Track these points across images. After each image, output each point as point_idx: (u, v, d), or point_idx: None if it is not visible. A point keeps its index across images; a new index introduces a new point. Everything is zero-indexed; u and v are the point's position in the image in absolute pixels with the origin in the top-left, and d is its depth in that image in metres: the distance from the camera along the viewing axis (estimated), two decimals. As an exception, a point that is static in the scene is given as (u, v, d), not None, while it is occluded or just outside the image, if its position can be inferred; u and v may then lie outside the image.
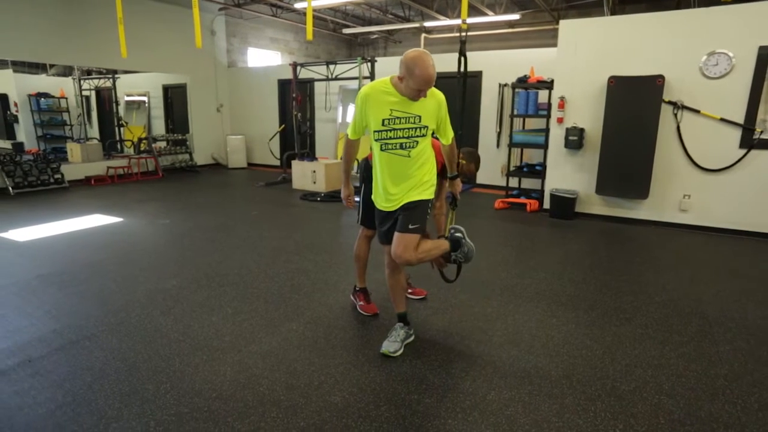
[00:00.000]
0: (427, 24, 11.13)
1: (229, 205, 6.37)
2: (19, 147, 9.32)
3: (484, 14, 9.62)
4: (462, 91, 2.91)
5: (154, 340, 2.64)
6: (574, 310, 3.10)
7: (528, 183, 6.74)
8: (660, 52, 4.99)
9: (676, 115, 5.03)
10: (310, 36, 5.31)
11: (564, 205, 5.61)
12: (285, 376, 2.30)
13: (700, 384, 2.27)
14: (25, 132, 9.79)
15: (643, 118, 5.04)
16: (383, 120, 2.26)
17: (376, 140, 2.32)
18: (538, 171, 6.21)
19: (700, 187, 5.06)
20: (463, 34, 2.82)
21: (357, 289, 3.08)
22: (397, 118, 2.25)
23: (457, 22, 10.46)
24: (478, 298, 3.26)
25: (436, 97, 2.30)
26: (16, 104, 9.73)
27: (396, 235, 2.35)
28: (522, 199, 6.24)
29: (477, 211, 6.00)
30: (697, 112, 4.94)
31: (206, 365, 2.39)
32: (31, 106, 9.75)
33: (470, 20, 9.77)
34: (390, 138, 2.27)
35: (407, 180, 2.35)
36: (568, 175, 5.71)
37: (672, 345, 2.65)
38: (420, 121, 2.26)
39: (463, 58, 2.80)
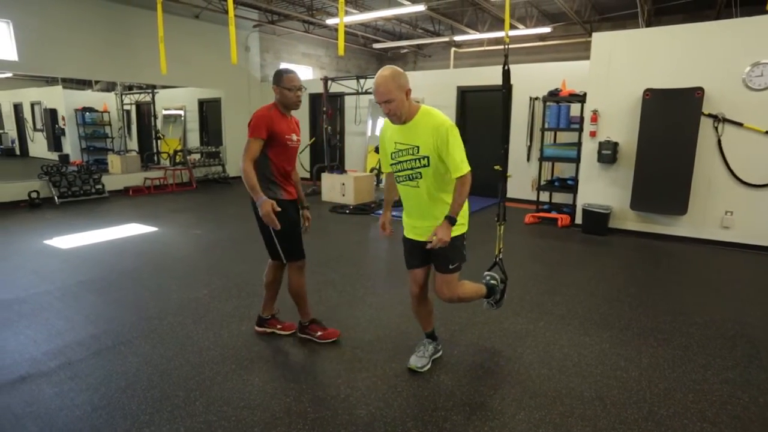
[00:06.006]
0: (457, 38, 11.18)
1: (260, 216, 6.49)
2: (65, 159, 9.84)
3: (515, 28, 9.58)
4: (506, 105, 2.89)
5: (185, 347, 2.70)
6: (607, 329, 2.99)
7: (559, 197, 6.60)
8: (699, 63, 4.83)
9: (716, 128, 4.84)
10: (341, 51, 5.41)
11: (597, 220, 5.46)
12: (312, 388, 2.30)
13: (748, 413, 2.13)
14: (70, 144, 10.34)
15: (681, 131, 4.87)
16: (391, 154, 2.24)
17: (393, 173, 2.32)
18: (569, 185, 6.08)
19: (744, 202, 4.83)
20: (506, 47, 2.78)
21: (306, 323, 2.80)
22: (400, 150, 2.19)
23: (487, 36, 10.47)
24: (508, 314, 3.19)
25: (431, 122, 2.10)
26: (63, 118, 10.29)
27: (437, 275, 2.32)
28: (553, 214, 6.11)
29: (507, 226, 5.87)
30: (740, 125, 4.74)
31: (235, 374, 2.42)
32: (76, 120, 10.30)
33: (501, 33, 9.75)
34: (399, 171, 2.23)
35: (428, 214, 2.24)
36: (601, 189, 5.57)
37: (715, 369, 2.51)
38: (418, 152, 2.12)
39: (505, 73, 2.78)
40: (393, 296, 3.49)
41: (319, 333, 2.77)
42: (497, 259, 2.76)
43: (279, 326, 2.90)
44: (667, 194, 5.03)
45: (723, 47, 4.73)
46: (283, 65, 11.38)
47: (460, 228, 2.26)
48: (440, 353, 2.60)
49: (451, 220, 2.10)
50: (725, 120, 4.79)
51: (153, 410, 2.12)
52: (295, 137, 2.63)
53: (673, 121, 4.90)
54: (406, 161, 2.18)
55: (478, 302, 3.26)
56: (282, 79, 2.52)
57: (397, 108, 2.07)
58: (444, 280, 2.29)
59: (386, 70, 2.07)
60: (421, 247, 2.28)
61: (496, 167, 3.10)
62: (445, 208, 2.20)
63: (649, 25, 7.92)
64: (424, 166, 2.14)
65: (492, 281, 2.64)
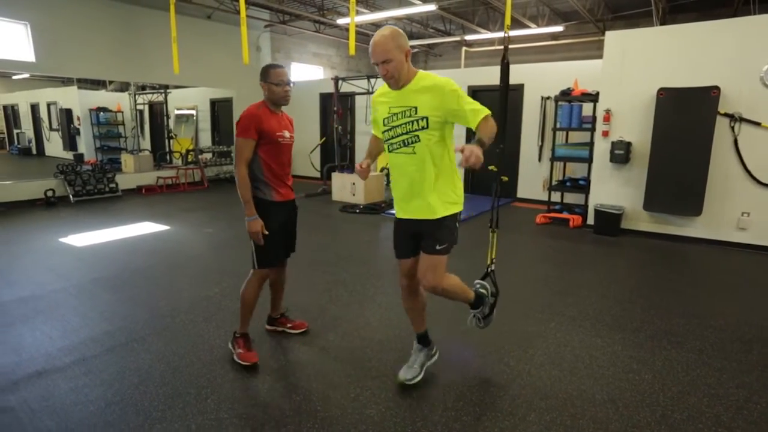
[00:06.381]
0: (468, 37, 11.14)
1: (270, 215, 6.53)
2: (79, 158, 9.99)
3: (527, 27, 9.52)
4: (504, 101, 2.83)
5: (196, 345, 2.73)
6: (620, 331, 2.96)
7: (571, 198, 6.55)
8: (715, 62, 4.75)
9: (733, 127, 4.76)
10: (352, 51, 5.42)
11: (609, 220, 5.40)
12: (322, 387, 2.31)
13: (766, 418, 2.09)
14: (85, 144, 10.50)
15: (696, 131, 4.80)
16: (384, 120, 2.12)
17: (384, 142, 2.19)
18: (581, 185, 6.02)
19: (761, 203, 4.74)
20: (508, 35, 2.68)
21: (238, 335, 2.58)
22: (394, 114, 2.07)
23: (498, 35, 10.41)
24: (518, 315, 3.17)
25: (430, 82, 2.01)
26: (78, 118, 10.46)
27: (422, 256, 2.13)
28: (564, 215, 6.05)
29: (518, 226, 5.87)
30: (758, 124, 4.66)
31: (246, 372, 2.44)
32: (91, 120, 10.45)
33: (513, 33, 9.69)
34: (392, 137, 2.10)
35: (419, 192, 2.09)
36: (614, 189, 5.51)
37: (731, 373, 2.47)
38: (416, 113, 2.00)
39: (505, 68, 2.72)
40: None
41: (239, 351, 2.53)
42: (489, 270, 2.53)
43: (289, 325, 2.90)
44: (681, 195, 4.96)
45: (740, 45, 4.64)
46: (294, 65, 11.43)
47: (454, 207, 2.13)
48: (436, 357, 2.44)
49: (480, 142, 1.85)
50: (742, 119, 4.71)
51: (165, 407, 2.14)
52: (287, 134, 2.51)
53: (687, 121, 4.83)
54: (402, 125, 2.05)
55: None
56: (269, 74, 2.44)
57: (396, 69, 1.97)
58: (429, 264, 2.09)
59: (386, 30, 1.99)
60: (412, 229, 2.16)
61: (491, 167, 2.90)
62: (439, 194, 2.07)
63: (663, 23, 7.82)
64: (422, 128, 2.01)
65: (482, 290, 2.44)
